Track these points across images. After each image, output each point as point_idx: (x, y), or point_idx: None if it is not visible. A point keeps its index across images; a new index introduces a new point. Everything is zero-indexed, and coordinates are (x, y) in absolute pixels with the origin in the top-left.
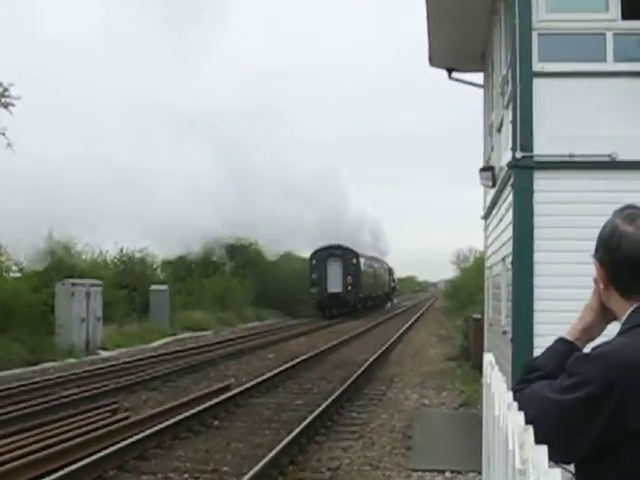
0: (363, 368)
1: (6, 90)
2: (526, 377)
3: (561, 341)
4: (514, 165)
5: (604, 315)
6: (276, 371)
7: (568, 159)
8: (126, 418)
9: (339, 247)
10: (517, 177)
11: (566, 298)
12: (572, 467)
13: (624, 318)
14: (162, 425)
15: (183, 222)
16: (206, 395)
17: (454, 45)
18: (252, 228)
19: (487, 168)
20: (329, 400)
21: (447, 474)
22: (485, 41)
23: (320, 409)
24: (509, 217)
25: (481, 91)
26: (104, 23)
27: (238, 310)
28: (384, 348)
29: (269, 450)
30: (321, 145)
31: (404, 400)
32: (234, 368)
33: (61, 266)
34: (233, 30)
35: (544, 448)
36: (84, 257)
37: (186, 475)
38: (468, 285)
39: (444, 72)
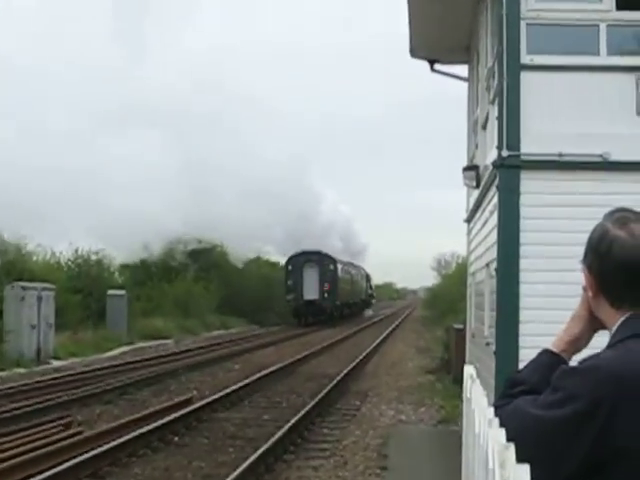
0: (336, 381)
1: None
2: (508, 392)
3: (546, 353)
4: (499, 164)
5: (592, 324)
6: (242, 384)
7: (557, 159)
8: (79, 433)
9: (316, 253)
10: (503, 177)
11: (554, 307)
12: None
13: (614, 329)
14: (118, 441)
15: (141, 221)
16: (166, 409)
17: (437, 35)
18: (215, 228)
19: (471, 167)
20: (299, 415)
21: None
22: (470, 31)
23: (289, 425)
24: (494, 220)
25: (465, 85)
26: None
27: (202, 317)
28: (358, 360)
29: (233, 469)
30: (290, 138)
31: (379, 416)
32: (197, 380)
33: (11, 268)
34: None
35: (526, 467)
36: (35, 258)
37: None
38: (449, 293)
39: (426, 64)
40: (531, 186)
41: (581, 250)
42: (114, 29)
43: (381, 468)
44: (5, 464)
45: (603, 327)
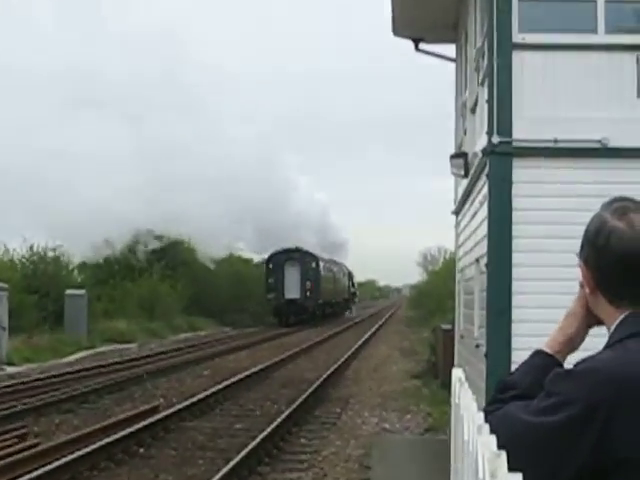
0: (314, 387)
1: None
2: (499, 396)
3: (539, 354)
4: (490, 151)
5: (587, 320)
6: (212, 390)
7: (552, 145)
8: (36, 445)
9: (297, 250)
10: (493, 165)
11: (549, 306)
12: None
13: (612, 328)
14: (78, 453)
15: (100, 216)
16: (130, 418)
17: (422, 12)
18: (180, 221)
19: (459, 155)
20: (274, 424)
21: None
22: (458, 7)
23: (263, 435)
24: (484, 212)
25: (453, 65)
26: None
27: (168, 319)
28: (339, 364)
29: None
30: (259, 124)
31: (361, 424)
32: (163, 387)
33: None
34: None
35: (519, 477)
36: None
37: None
38: (436, 291)
39: (410, 43)
40: (524, 175)
41: (578, 244)
42: (63, 6)
43: None
44: None
45: (599, 322)
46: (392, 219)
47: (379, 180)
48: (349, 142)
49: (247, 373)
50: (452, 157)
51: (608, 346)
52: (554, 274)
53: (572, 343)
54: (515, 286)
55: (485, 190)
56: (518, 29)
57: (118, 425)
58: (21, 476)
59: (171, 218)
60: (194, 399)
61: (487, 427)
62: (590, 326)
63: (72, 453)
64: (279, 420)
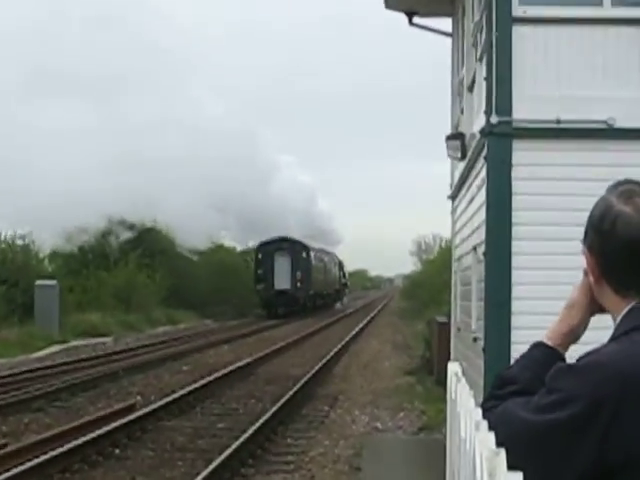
0: (301, 384)
1: None
2: (496, 392)
3: (539, 347)
4: (488, 132)
5: (591, 309)
6: (192, 387)
7: (555, 126)
8: (4, 446)
9: (287, 239)
10: (492, 147)
11: (552, 297)
12: None
13: (618, 320)
14: (49, 455)
15: (72, 203)
16: (105, 417)
17: None
18: (153, 205)
19: (455, 136)
20: (258, 423)
21: None
22: None
23: (247, 435)
24: (482, 197)
25: (449, 41)
26: None
27: (145, 311)
28: (327, 359)
29: None
30: (239, 99)
31: (351, 423)
32: (140, 384)
33: None
34: None
35: (519, 476)
36: None
37: None
38: (431, 281)
39: (403, 16)
40: (524, 157)
41: (583, 231)
42: None
43: None
44: None
45: (602, 310)
46: (384, 204)
47: (369, 163)
48: (335, 121)
49: (230, 369)
50: (448, 138)
51: (613, 339)
52: (557, 263)
53: (575, 334)
54: (515, 276)
55: (483, 173)
56: (519, 1)
57: (92, 425)
58: None
59: (144, 202)
60: (173, 397)
61: (485, 423)
62: (593, 314)
63: (43, 454)
64: (264, 419)
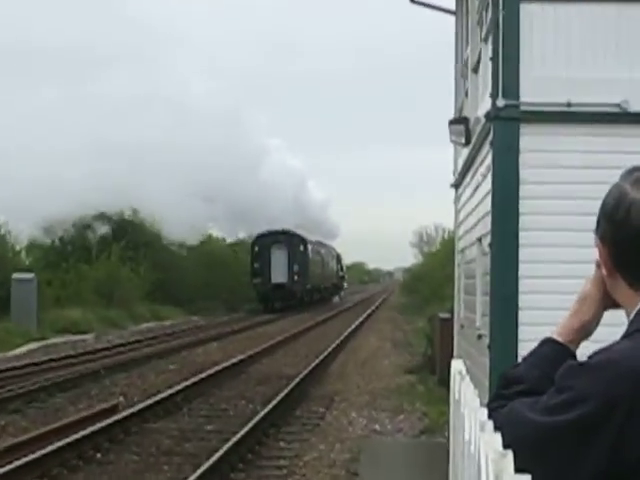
0: (294, 383)
1: None
2: (502, 392)
3: (549, 343)
4: (494, 116)
5: (604, 303)
6: (179, 387)
7: (565, 109)
8: None
9: (284, 232)
10: (498, 132)
11: (562, 291)
12: None
13: (632, 315)
14: (27, 459)
15: (50, 192)
16: (86, 419)
17: None
18: (134, 195)
19: (459, 120)
20: (249, 425)
21: None
22: None
23: (237, 437)
24: (487, 185)
25: (453, 19)
26: None
27: (129, 307)
28: (323, 357)
29: None
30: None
31: (348, 426)
32: (123, 383)
33: None
34: None
35: (527, 479)
36: None
37: None
38: (433, 275)
39: None
40: (533, 143)
41: (594, 220)
42: None
43: None
44: None
45: (616, 304)
46: (383, 192)
47: (366, 148)
48: (328, 103)
49: (218, 368)
50: (451, 123)
51: (626, 335)
52: (567, 255)
53: (586, 330)
54: (522, 269)
55: (488, 160)
56: None
57: (72, 427)
58: None
59: (124, 190)
60: (158, 397)
61: (491, 424)
62: (606, 309)
63: (20, 459)
64: (255, 421)
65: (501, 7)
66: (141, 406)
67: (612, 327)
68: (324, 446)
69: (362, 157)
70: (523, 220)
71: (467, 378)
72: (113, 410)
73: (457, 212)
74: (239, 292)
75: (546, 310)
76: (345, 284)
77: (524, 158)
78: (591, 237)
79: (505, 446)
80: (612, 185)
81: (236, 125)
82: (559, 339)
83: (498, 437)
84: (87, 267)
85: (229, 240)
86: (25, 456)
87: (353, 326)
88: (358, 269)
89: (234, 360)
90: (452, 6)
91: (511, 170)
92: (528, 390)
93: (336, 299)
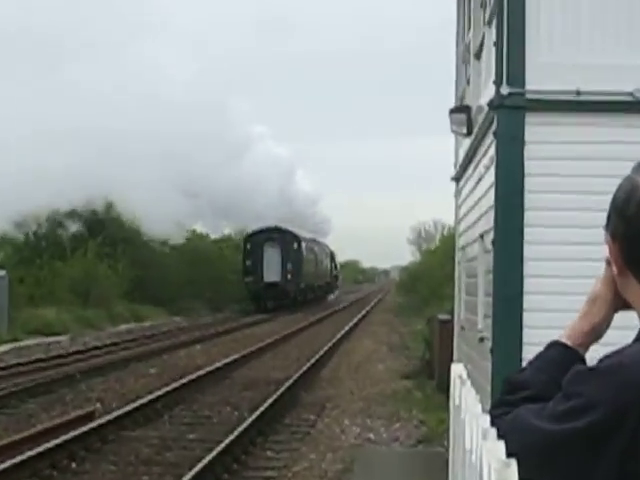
0: (283, 389)
1: None
2: (507, 398)
3: (556, 347)
4: (498, 105)
5: (615, 304)
6: (160, 393)
7: (574, 98)
8: None
9: (277, 229)
10: (502, 122)
11: (569, 291)
12: None
13: None
14: None
15: (21, 184)
16: (60, 426)
17: None
18: (109, 188)
19: (460, 109)
20: (234, 434)
21: None
22: None
23: (222, 446)
24: (490, 178)
25: (454, 1)
26: None
27: (106, 307)
28: (314, 360)
29: None
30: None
31: (340, 434)
32: (100, 388)
33: None
34: None
35: None
36: None
37: None
38: (432, 273)
39: None
40: (539, 133)
41: (605, 215)
42: None
43: None
44: None
45: (627, 306)
46: (379, 187)
47: (359, 138)
48: (316, 89)
49: (202, 372)
50: (452, 111)
51: (638, 338)
52: (575, 253)
53: (596, 332)
54: (527, 267)
55: (492, 151)
56: None
57: (45, 435)
58: None
59: (100, 185)
60: (137, 403)
61: (494, 431)
62: (617, 310)
63: None
64: (241, 429)
65: None
66: (119, 413)
67: (623, 330)
68: (315, 456)
69: (357, 146)
70: (528, 215)
71: (468, 383)
72: (89, 417)
73: (458, 207)
74: (225, 291)
75: (552, 312)
76: (338, 283)
77: (530, 149)
78: (601, 234)
79: (509, 455)
80: (623, 178)
81: (220, 112)
82: (567, 342)
83: (501, 445)
84: (62, 264)
85: (214, 236)
86: None
87: (347, 327)
88: (352, 268)
89: (219, 364)
90: None
91: (516, 162)
92: (534, 396)
93: (331, 297)
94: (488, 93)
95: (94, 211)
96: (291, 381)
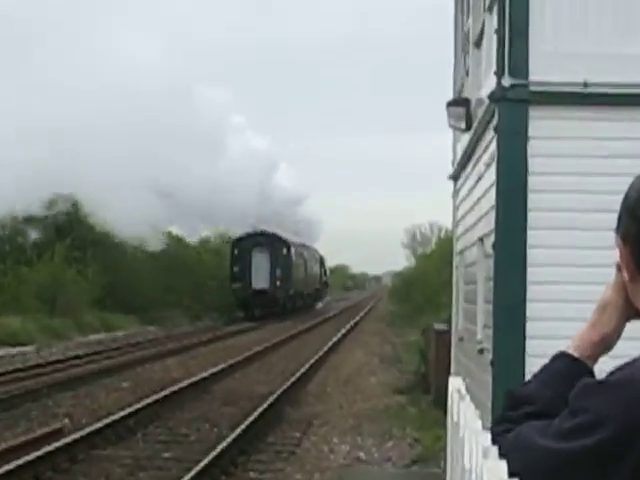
0: (267, 404)
1: None
2: (509, 414)
3: (563, 358)
4: (500, 97)
5: (626, 313)
6: (133, 409)
7: (581, 90)
8: None
9: (266, 234)
10: (504, 115)
11: (576, 299)
12: None
13: None
14: None
15: None
16: (25, 444)
17: None
18: (79, 187)
19: (459, 102)
20: (214, 453)
21: None
22: None
23: (200, 466)
24: (491, 176)
25: None
26: None
27: (75, 315)
28: (300, 373)
29: None
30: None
31: (329, 453)
32: (68, 404)
33: None
34: None
35: None
36: None
37: None
38: (427, 280)
39: None
40: (543, 128)
41: (615, 217)
42: None
43: None
44: None
45: (639, 314)
46: (368, 187)
47: (348, 133)
48: (299, 78)
49: (179, 386)
50: (450, 105)
51: None
52: (582, 258)
53: (606, 343)
54: (530, 273)
55: (493, 147)
56: None
57: (9, 453)
58: None
59: (64, 183)
60: (109, 420)
61: (495, 449)
62: (628, 319)
63: None
64: (220, 448)
65: None
66: (89, 430)
67: (635, 341)
68: (301, 476)
69: (345, 141)
70: (531, 217)
71: (467, 398)
72: (57, 434)
73: (456, 208)
74: (204, 298)
75: (557, 321)
76: (327, 290)
77: (533, 145)
78: (611, 236)
79: (511, 475)
80: (635, 177)
81: (191, 103)
82: (575, 354)
83: (503, 464)
84: (27, 269)
85: (190, 239)
86: None
87: (335, 338)
88: (341, 273)
89: (197, 377)
90: None
91: (518, 159)
92: (539, 412)
93: (319, 305)
94: (489, 85)
95: (61, 212)
96: (275, 395)
